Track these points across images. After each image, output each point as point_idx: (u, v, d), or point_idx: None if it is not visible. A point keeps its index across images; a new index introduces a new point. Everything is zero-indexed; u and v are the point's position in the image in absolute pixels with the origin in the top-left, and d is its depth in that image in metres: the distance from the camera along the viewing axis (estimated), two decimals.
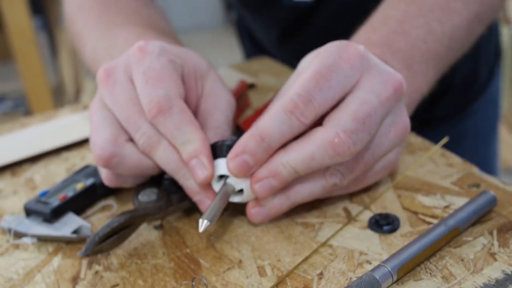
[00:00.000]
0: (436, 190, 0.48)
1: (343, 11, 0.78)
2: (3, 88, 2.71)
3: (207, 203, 0.46)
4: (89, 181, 0.52)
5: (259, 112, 0.60)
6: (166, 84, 0.46)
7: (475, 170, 0.51)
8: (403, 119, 0.46)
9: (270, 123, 0.42)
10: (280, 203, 0.45)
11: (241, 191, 0.45)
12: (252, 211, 0.46)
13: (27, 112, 2.53)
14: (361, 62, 0.44)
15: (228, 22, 3.76)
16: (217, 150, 0.45)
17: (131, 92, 0.47)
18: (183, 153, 0.45)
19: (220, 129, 0.49)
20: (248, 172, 0.43)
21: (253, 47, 0.99)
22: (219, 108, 0.50)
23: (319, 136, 0.42)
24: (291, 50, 0.86)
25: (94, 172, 0.53)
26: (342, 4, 0.77)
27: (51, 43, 2.75)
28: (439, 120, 0.86)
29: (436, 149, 0.54)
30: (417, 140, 0.57)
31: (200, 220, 0.41)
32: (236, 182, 0.45)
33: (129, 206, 0.51)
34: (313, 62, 0.45)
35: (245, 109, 0.67)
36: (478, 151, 0.94)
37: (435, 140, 0.81)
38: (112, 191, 0.53)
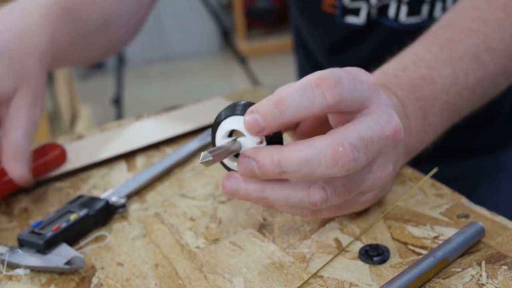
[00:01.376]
0: (425, 221, 0.49)
1: (391, 37, 0.78)
2: None
3: None
4: (83, 212, 0.52)
5: None
6: None
7: (464, 200, 0.52)
8: (390, 166, 0.46)
9: (290, 91, 0.41)
10: (252, 189, 0.44)
11: None
12: (227, 178, 0.44)
13: None
14: (375, 90, 0.44)
15: (224, 47, 3.79)
16: (231, 108, 0.44)
17: None
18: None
19: (20, 145, 0.56)
20: (257, 131, 0.42)
21: (306, 58, 0.99)
22: (21, 126, 0.56)
23: (323, 142, 0.41)
24: (339, 64, 0.87)
25: (88, 202, 0.54)
26: (391, 30, 0.78)
27: None
28: (480, 150, 0.85)
29: (426, 180, 0.54)
30: (407, 170, 0.58)
31: (202, 153, 0.41)
32: (244, 144, 0.44)
33: (122, 237, 0.52)
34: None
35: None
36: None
37: (472, 170, 0.80)
38: (105, 221, 0.54)
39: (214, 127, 0.45)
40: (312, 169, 0.41)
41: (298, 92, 0.41)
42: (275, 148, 0.42)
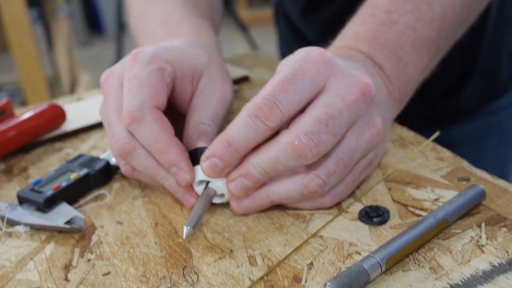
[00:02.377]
0: (426, 183, 0.49)
1: None
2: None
3: (189, 199, 0.48)
4: (83, 171, 0.52)
5: None
6: (145, 93, 0.48)
7: (465, 164, 0.51)
8: (376, 122, 0.46)
9: (236, 129, 0.44)
10: (260, 198, 0.46)
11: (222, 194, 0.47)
12: (234, 203, 0.47)
13: (23, 103, 2.53)
14: (326, 67, 0.44)
15: (225, 16, 3.75)
16: (194, 157, 0.47)
17: (119, 98, 0.50)
18: (162, 162, 0.47)
19: (203, 125, 0.50)
20: (219, 173, 0.45)
21: (286, 23, 0.98)
22: (208, 103, 0.52)
23: (283, 139, 0.43)
24: (313, 23, 0.87)
25: (88, 162, 0.54)
26: None
27: (47, 35, 2.75)
28: (463, 115, 0.86)
29: (427, 143, 0.54)
30: (409, 134, 0.57)
31: (184, 227, 0.43)
32: (216, 186, 0.46)
33: (122, 196, 0.52)
34: (281, 68, 0.45)
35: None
36: (500, 150, 0.93)
37: (458, 135, 0.80)
38: (105, 181, 0.54)
39: None
40: (284, 164, 0.43)
41: (243, 127, 0.43)
42: (251, 156, 0.45)
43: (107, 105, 0.50)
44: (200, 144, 0.49)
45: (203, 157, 0.45)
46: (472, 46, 0.76)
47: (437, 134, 0.53)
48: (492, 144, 0.91)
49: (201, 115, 0.51)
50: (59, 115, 0.63)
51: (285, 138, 0.43)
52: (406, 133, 0.58)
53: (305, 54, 0.45)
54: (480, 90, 0.85)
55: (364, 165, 0.48)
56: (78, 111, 0.68)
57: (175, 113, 0.53)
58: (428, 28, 0.55)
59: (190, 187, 0.48)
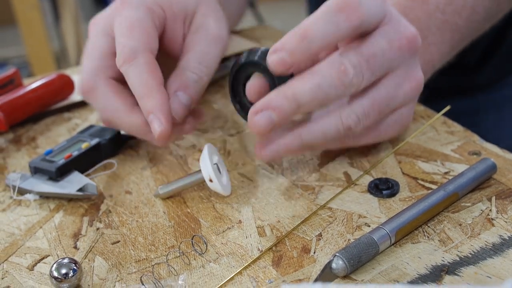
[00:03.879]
0: (436, 157, 0.49)
1: None
2: (6, 53, 2.71)
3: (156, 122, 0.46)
4: (94, 141, 0.52)
5: None
6: (137, 37, 0.47)
7: (476, 138, 0.51)
8: (417, 74, 0.45)
9: (314, 21, 0.40)
10: (291, 140, 0.43)
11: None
12: (260, 147, 0.43)
13: (30, 76, 2.53)
14: (383, 8, 0.43)
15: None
16: (251, 55, 0.44)
17: (96, 43, 0.50)
18: (142, 107, 0.47)
19: (188, 72, 0.49)
20: (286, 69, 0.41)
21: None
22: (198, 44, 0.50)
23: (325, 66, 0.41)
24: None
25: (99, 132, 0.54)
26: None
27: (54, 8, 2.73)
28: (478, 89, 0.85)
29: (438, 117, 0.54)
30: (419, 108, 0.57)
31: (158, 188, 0.46)
32: (215, 186, 0.45)
33: (131, 166, 0.52)
34: None
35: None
36: None
37: (475, 105, 0.79)
38: (115, 151, 0.54)
39: (233, 69, 0.45)
40: (325, 93, 0.40)
41: (322, 20, 0.40)
42: (283, 88, 0.41)
43: (85, 50, 0.51)
44: (177, 98, 0.48)
45: (271, 50, 0.41)
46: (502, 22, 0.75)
47: (447, 108, 0.53)
48: (508, 110, 0.90)
49: (190, 58, 0.49)
50: (67, 85, 0.63)
51: (328, 64, 0.41)
52: (416, 106, 0.57)
53: None
54: (503, 64, 0.84)
55: (395, 119, 0.46)
56: None
57: (168, 59, 0.52)
58: (457, 15, 0.54)
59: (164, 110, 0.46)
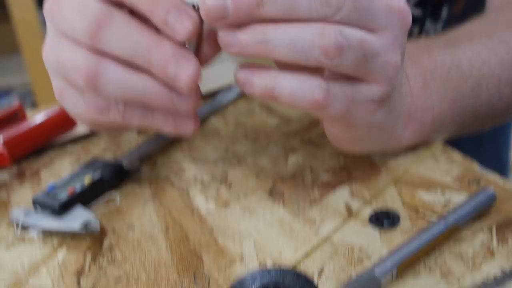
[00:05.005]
0: (436, 186, 0.49)
1: None
2: (9, 81, 2.73)
3: (187, 65, 0.40)
4: (97, 175, 0.53)
5: None
6: None
7: (475, 166, 0.51)
8: (398, 53, 0.41)
9: None
10: (255, 33, 0.38)
11: None
12: (223, 32, 0.38)
13: (33, 104, 2.55)
14: None
15: None
16: None
17: None
18: (157, 12, 0.39)
19: None
20: (220, 16, 0.37)
21: None
22: None
23: None
24: None
25: (102, 165, 0.54)
26: None
27: None
28: None
29: (438, 145, 0.54)
30: None
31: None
32: None
33: (133, 200, 0.52)
34: None
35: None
36: (496, 140, 0.95)
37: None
38: (118, 184, 0.54)
39: None
40: (303, 4, 0.36)
41: None
42: None
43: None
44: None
45: None
46: None
47: (446, 136, 0.53)
48: (488, 135, 0.92)
49: None
50: (70, 119, 0.64)
51: None
52: None
53: None
54: None
55: (367, 95, 0.42)
56: None
57: None
58: (462, 80, 0.53)
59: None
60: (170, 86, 0.41)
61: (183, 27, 0.38)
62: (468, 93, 0.54)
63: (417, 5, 0.77)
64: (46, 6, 0.43)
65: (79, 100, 0.44)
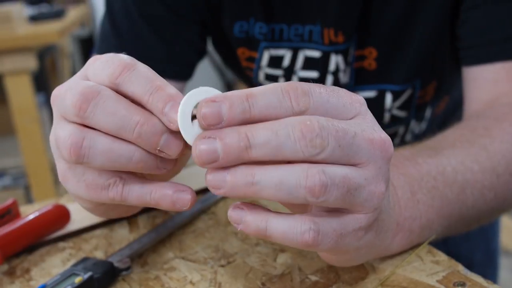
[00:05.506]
0: None
1: None
2: (3, 163, 2.74)
3: (175, 142, 0.42)
4: (87, 275, 0.53)
5: None
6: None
7: (461, 268, 0.52)
8: (383, 184, 0.42)
9: (262, 89, 0.40)
10: (243, 175, 0.39)
11: None
12: (210, 175, 0.40)
13: (26, 187, 2.55)
14: (361, 105, 0.43)
15: (222, 86, 3.82)
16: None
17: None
18: (156, 101, 0.41)
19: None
20: (217, 120, 0.39)
21: None
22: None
23: (291, 118, 0.39)
24: None
25: (92, 265, 0.55)
26: None
27: (52, 119, 2.80)
28: None
29: (424, 246, 0.55)
30: None
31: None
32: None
33: None
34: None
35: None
36: (483, 228, 0.96)
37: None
38: (108, 284, 0.54)
39: None
40: (280, 141, 0.38)
41: (269, 92, 0.39)
42: (239, 125, 0.39)
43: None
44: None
45: (207, 99, 0.39)
46: None
47: (433, 237, 0.54)
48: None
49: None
50: (63, 216, 0.65)
51: (296, 118, 0.39)
52: None
53: (337, 88, 0.43)
54: None
55: (354, 226, 0.43)
56: (82, 208, 0.69)
57: None
58: (447, 187, 0.56)
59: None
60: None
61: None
62: (454, 199, 0.56)
63: (401, 108, 0.81)
64: (52, 93, 0.46)
65: (80, 181, 0.46)
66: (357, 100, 0.43)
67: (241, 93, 0.39)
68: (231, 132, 0.38)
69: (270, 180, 0.39)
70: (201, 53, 0.85)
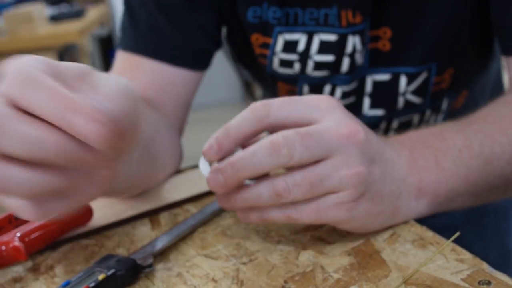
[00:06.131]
0: (446, 287, 0.49)
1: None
2: None
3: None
4: (111, 272, 0.53)
5: None
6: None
7: (485, 266, 0.52)
8: (357, 165, 0.51)
9: (235, 119, 0.52)
10: (235, 196, 0.53)
11: None
12: (220, 196, 0.54)
13: None
14: (328, 106, 0.52)
15: (247, 98, 3.83)
16: None
17: None
18: (70, 122, 0.40)
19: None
20: (215, 155, 0.53)
21: None
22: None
23: (264, 139, 0.50)
24: None
25: (115, 262, 0.55)
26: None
27: None
28: None
29: (447, 244, 0.55)
30: (428, 234, 0.58)
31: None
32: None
33: None
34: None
35: None
36: (498, 227, 0.95)
37: (458, 218, 0.82)
38: (131, 280, 0.55)
39: None
40: (259, 161, 0.49)
41: (240, 116, 0.52)
42: (233, 157, 0.52)
43: None
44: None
45: (213, 169, 0.52)
46: None
47: (457, 234, 0.54)
48: (490, 222, 0.95)
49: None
50: (86, 213, 0.65)
51: (267, 138, 0.50)
52: (425, 232, 0.58)
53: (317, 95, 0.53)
54: None
55: (335, 201, 0.51)
56: (104, 205, 0.70)
57: None
58: (473, 159, 0.59)
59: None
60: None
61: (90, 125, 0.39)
62: (480, 169, 0.59)
63: (416, 93, 0.80)
64: None
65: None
66: (319, 102, 0.52)
67: (222, 129, 0.52)
68: (225, 163, 0.51)
69: (250, 197, 0.52)
70: (217, 43, 0.85)
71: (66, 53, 2.76)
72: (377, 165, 0.54)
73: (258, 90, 3.80)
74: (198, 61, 0.82)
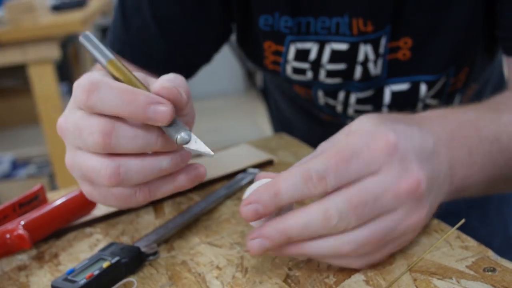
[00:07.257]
0: (451, 274, 0.49)
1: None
2: (28, 152, 2.78)
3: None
4: (115, 259, 0.53)
5: None
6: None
7: (490, 253, 0.52)
8: (419, 214, 0.49)
9: (285, 184, 0.47)
10: (272, 229, 0.48)
11: None
12: (250, 239, 0.48)
13: (51, 175, 2.58)
14: (386, 156, 0.47)
15: (249, 88, 3.83)
16: None
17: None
18: (135, 108, 0.49)
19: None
20: (257, 217, 0.48)
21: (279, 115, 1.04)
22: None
23: (314, 208, 0.47)
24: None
25: (120, 250, 0.55)
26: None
27: None
28: None
29: (452, 231, 0.55)
30: (433, 221, 0.58)
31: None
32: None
33: (150, 285, 0.53)
34: (340, 141, 0.50)
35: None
36: (502, 213, 0.95)
37: (462, 204, 0.84)
38: (135, 269, 0.55)
39: None
40: (311, 231, 0.47)
41: (291, 185, 0.47)
42: (276, 220, 0.47)
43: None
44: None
45: (245, 201, 0.48)
46: None
47: (462, 221, 0.54)
48: (494, 208, 0.95)
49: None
50: (90, 201, 0.65)
51: (317, 207, 0.46)
52: (430, 220, 0.58)
53: (368, 136, 0.48)
54: None
55: (395, 246, 0.51)
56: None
57: None
58: (500, 154, 0.59)
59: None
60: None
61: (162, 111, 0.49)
62: (503, 164, 0.59)
63: (433, 97, 0.80)
64: (58, 122, 0.55)
65: (107, 196, 0.54)
66: (380, 149, 0.47)
67: (269, 191, 0.47)
68: (272, 229, 0.47)
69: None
70: (208, 56, 0.85)
71: (68, 43, 2.76)
72: (434, 194, 0.52)
73: (260, 80, 3.79)
74: (182, 73, 0.82)
